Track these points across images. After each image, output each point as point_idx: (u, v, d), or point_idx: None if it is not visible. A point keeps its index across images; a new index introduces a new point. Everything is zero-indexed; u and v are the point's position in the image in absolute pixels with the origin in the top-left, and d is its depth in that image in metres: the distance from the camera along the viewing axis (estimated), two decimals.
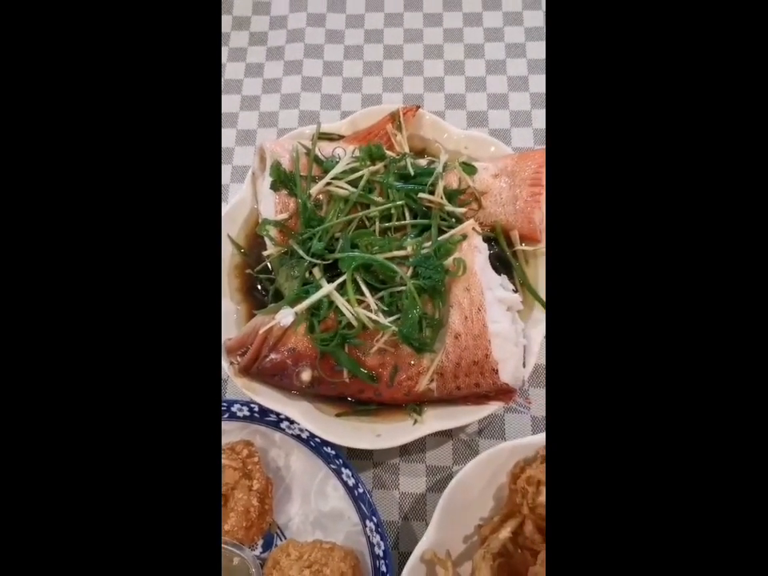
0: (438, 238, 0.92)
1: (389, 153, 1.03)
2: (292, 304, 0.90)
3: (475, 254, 0.89)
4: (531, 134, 1.21)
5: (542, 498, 0.83)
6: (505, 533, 0.83)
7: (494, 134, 1.16)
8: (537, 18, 1.33)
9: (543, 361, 1.02)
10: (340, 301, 0.88)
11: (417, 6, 1.37)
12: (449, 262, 0.88)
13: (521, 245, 1.02)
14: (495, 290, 0.90)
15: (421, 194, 0.98)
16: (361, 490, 0.90)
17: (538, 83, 1.26)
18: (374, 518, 0.88)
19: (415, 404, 0.93)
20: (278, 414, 0.93)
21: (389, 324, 0.87)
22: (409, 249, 0.92)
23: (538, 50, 1.30)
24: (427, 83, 1.30)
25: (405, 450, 1.00)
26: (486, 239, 1.02)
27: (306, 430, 0.92)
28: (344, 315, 0.88)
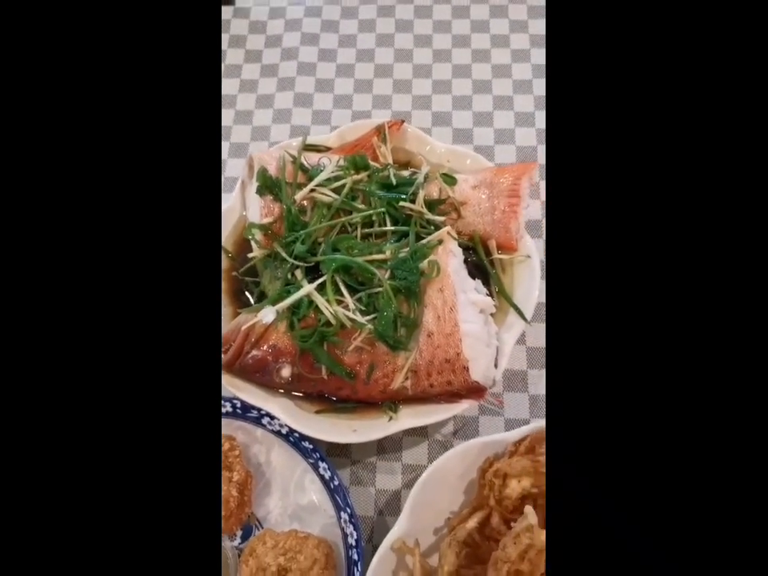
0: (416, 243, 0.96)
1: (373, 163, 1.08)
2: (274, 303, 0.94)
3: (450, 257, 0.93)
4: (514, 151, 1.26)
5: (509, 491, 0.87)
6: (472, 523, 0.86)
7: (478, 150, 1.21)
8: (522, 41, 1.39)
9: (519, 366, 1.06)
10: (320, 300, 0.93)
11: (407, 27, 1.43)
12: (424, 264, 0.92)
13: (498, 253, 1.05)
14: (469, 292, 0.94)
15: (402, 203, 1.03)
16: (336, 483, 0.93)
17: (523, 103, 1.32)
18: (347, 509, 0.91)
19: (391, 402, 0.96)
20: (259, 410, 0.97)
21: (366, 322, 0.90)
22: (387, 253, 0.96)
23: (523, 71, 1.36)
24: (415, 101, 1.35)
25: (382, 449, 1.03)
26: (465, 248, 1.06)
27: (286, 425, 0.95)
28: (323, 314, 0.92)
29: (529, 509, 0.79)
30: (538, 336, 1.09)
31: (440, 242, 0.96)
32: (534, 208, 1.21)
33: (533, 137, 1.28)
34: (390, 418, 0.95)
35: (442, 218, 1.03)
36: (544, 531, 0.77)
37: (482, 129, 1.31)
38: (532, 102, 1.33)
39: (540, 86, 1.33)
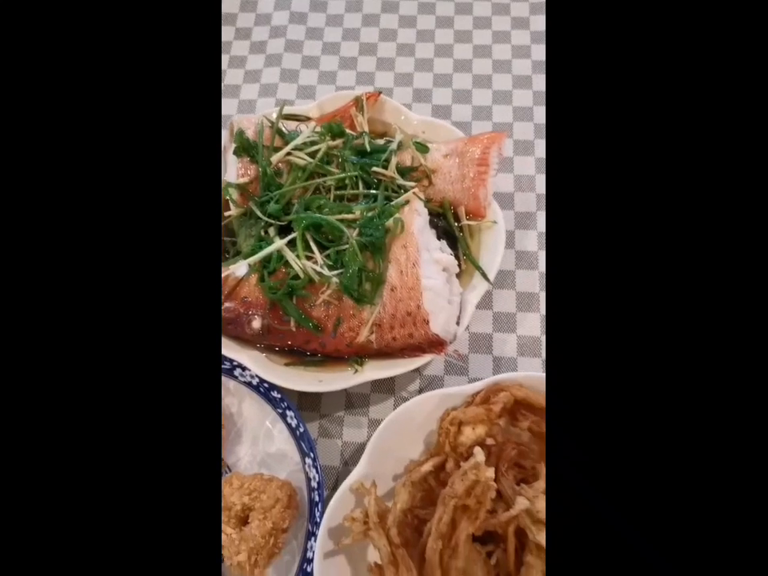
0: (384, 204, 1.00)
1: (349, 131, 1.13)
2: (246, 257, 0.99)
3: (414, 216, 0.98)
4: (491, 127, 1.31)
5: (463, 438, 0.91)
6: (427, 466, 0.90)
7: (456, 126, 1.25)
8: (504, 23, 1.43)
9: (485, 329, 1.11)
10: (290, 255, 0.98)
11: (393, 8, 1.47)
12: (390, 222, 0.96)
13: (466, 219, 1.09)
14: (433, 251, 0.99)
15: (375, 168, 1.07)
16: (302, 430, 0.98)
17: (501, 81, 1.36)
18: (311, 454, 0.96)
19: (357, 356, 1.01)
20: (231, 362, 1.01)
21: (332, 277, 0.95)
22: (357, 213, 1.01)
23: (503, 51, 1.40)
24: (397, 78, 1.40)
25: (350, 404, 1.08)
26: (435, 214, 1.11)
27: (256, 376, 1.00)
28: (293, 268, 0.97)
29: (477, 449, 0.84)
30: (504, 301, 1.14)
31: (407, 202, 1.00)
32: (507, 181, 1.25)
33: (509, 114, 1.33)
34: (356, 371, 0.99)
35: (412, 184, 1.07)
36: (491, 469, 0.82)
37: (461, 106, 1.35)
38: (510, 81, 1.37)
39: (519, 66, 1.38)
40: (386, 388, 1.07)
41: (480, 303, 1.08)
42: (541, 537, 0.79)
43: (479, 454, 0.83)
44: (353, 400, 1.08)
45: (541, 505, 0.81)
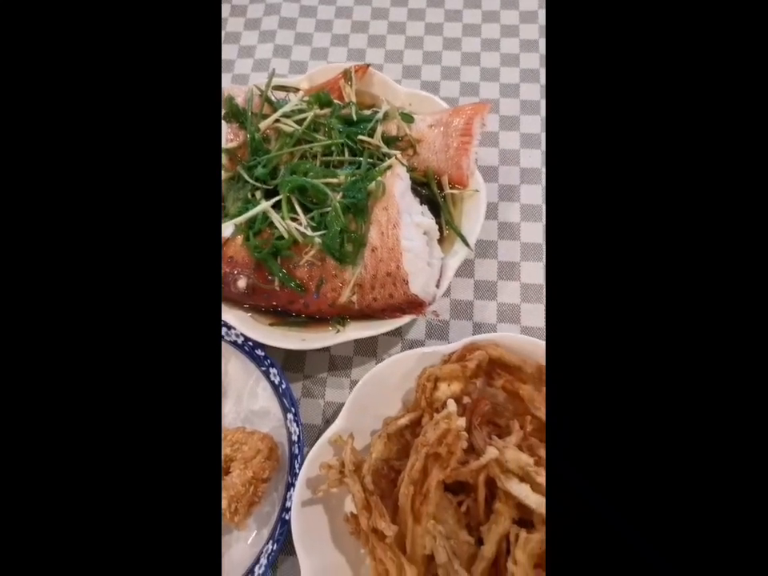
0: (368, 169, 1.04)
1: (336, 102, 1.16)
2: (233, 218, 1.02)
3: (396, 180, 1.01)
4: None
5: (439, 394, 0.95)
6: (403, 420, 0.94)
7: (444, 101, 1.27)
8: (494, 3, 1.46)
9: (466, 297, 1.15)
10: (275, 216, 1.01)
11: None
12: (372, 185, 1.00)
13: (450, 188, 1.12)
14: (414, 215, 1.02)
15: (360, 136, 1.10)
16: (284, 386, 1.01)
17: (489, 59, 1.39)
18: (292, 409, 0.99)
19: (339, 317, 1.04)
20: None
21: (315, 237, 0.98)
22: (341, 178, 1.04)
23: (492, 30, 1.43)
24: (388, 55, 1.43)
25: (333, 366, 1.11)
26: (420, 183, 1.14)
27: (242, 334, 1.03)
28: (278, 229, 1.00)
29: (451, 401, 0.87)
30: (485, 270, 1.18)
31: (389, 167, 1.03)
32: (492, 155, 1.28)
33: (496, 90, 1.35)
34: (338, 331, 1.03)
35: (397, 152, 1.10)
36: (462, 418, 0.85)
37: (449, 82, 1.38)
38: (498, 59, 1.40)
39: (507, 45, 1.41)
40: (368, 350, 1.10)
41: (462, 272, 1.12)
42: (509, 485, 0.82)
43: (451, 405, 0.86)
44: (336, 362, 1.11)
45: (510, 455, 0.84)
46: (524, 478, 0.83)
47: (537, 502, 0.80)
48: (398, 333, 1.11)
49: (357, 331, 1.01)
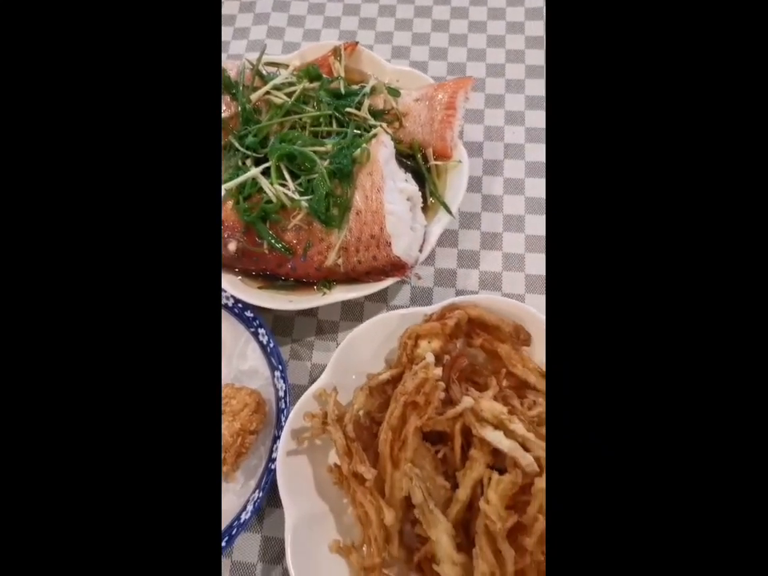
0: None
1: (325, 76, 1.21)
2: (224, 184, 1.07)
3: (381, 147, 1.05)
4: None
5: (419, 351, 0.99)
6: (385, 375, 0.98)
7: (432, 80, 1.32)
8: None
9: (450, 266, 1.20)
10: (264, 182, 1.05)
11: None
12: (357, 152, 1.04)
13: (434, 160, 1.17)
14: (398, 181, 1.06)
15: (348, 109, 1.15)
16: (272, 345, 1.06)
17: (476, 41, 1.44)
18: (279, 366, 1.04)
19: (325, 280, 1.08)
20: None
21: (303, 201, 1.03)
22: (329, 146, 1.08)
23: (479, 13, 1.48)
24: (378, 36, 1.48)
25: (320, 330, 1.16)
26: (405, 155, 1.18)
27: (232, 296, 1.08)
28: (267, 194, 1.05)
29: (429, 353, 0.92)
30: (469, 240, 1.23)
31: (375, 135, 1.07)
32: (477, 132, 1.33)
33: (482, 69, 1.40)
34: (324, 293, 1.07)
35: (384, 124, 1.14)
36: (440, 368, 0.89)
37: (437, 62, 1.43)
38: (484, 40, 1.44)
39: (493, 27, 1.46)
40: (355, 315, 1.15)
41: (447, 242, 1.16)
42: (484, 432, 0.87)
43: (429, 356, 0.91)
44: (323, 326, 1.15)
45: (485, 404, 0.88)
46: (498, 425, 0.86)
47: (509, 446, 0.84)
48: (383, 299, 1.15)
49: (342, 293, 1.05)
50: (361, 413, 0.96)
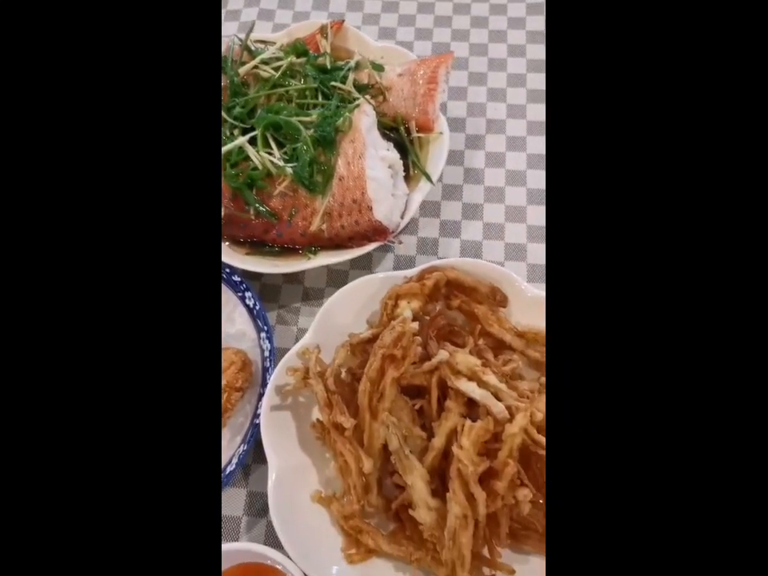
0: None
1: (312, 52, 1.25)
2: None
3: (363, 116, 1.10)
4: None
5: (399, 311, 1.03)
6: (366, 333, 1.02)
7: None
8: None
9: (433, 235, 1.26)
10: (250, 150, 1.09)
11: None
12: (340, 121, 1.08)
13: (416, 133, 1.21)
14: (379, 150, 1.11)
15: (333, 83, 1.19)
16: (258, 307, 1.10)
17: (460, 21, 1.48)
18: (265, 327, 1.08)
19: (310, 246, 1.12)
20: None
21: (287, 168, 1.07)
22: (314, 116, 1.12)
23: None
24: (365, 18, 1.52)
25: (306, 296, 1.20)
26: (389, 128, 1.23)
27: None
28: (253, 162, 1.09)
29: (407, 310, 0.95)
30: (451, 211, 1.28)
31: (357, 105, 1.12)
32: (460, 108, 1.37)
33: (465, 49, 1.45)
34: (309, 258, 1.11)
35: (368, 97, 1.19)
36: (416, 322, 0.93)
37: (422, 42, 1.47)
38: (468, 21, 1.48)
39: (477, 8, 1.50)
40: (340, 282, 1.18)
41: (429, 212, 1.21)
42: (458, 383, 0.91)
43: (407, 312, 0.95)
44: (309, 293, 1.19)
45: (460, 357, 0.92)
46: (471, 377, 0.91)
47: (482, 395, 0.88)
48: (367, 266, 1.19)
49: (327, 258, 1.09)
50: (343, 370, 0.99)
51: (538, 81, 1.38)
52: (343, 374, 1.01)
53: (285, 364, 1.00)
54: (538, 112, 1.34)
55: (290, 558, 0.87)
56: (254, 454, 1.03)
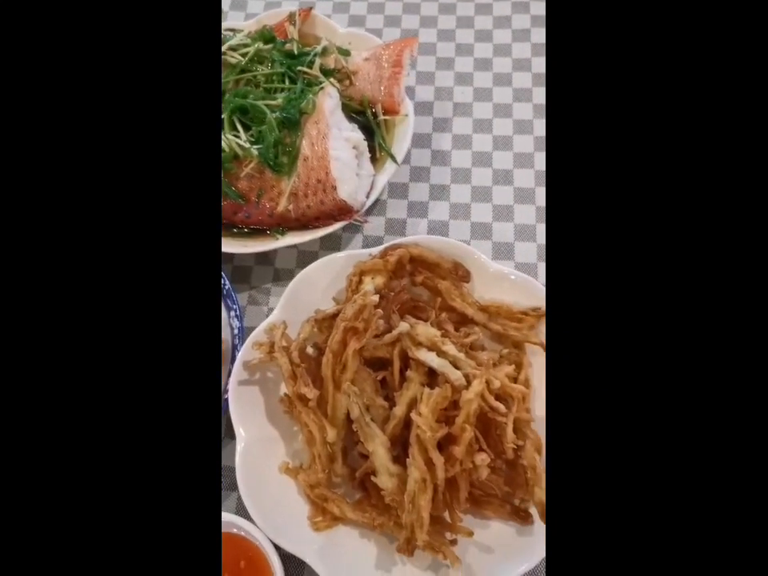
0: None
1: (279, 39, 1.28)
2: None
3: (326, 98, 1.12)
4: (416, 47, 1.45)
5: (363, 286, 1.05)
6: (331, 309, 1.04)
7: None
8: None
9: (400, 215, 1.28)
10: None
11: None
12: (304, 103, 1.11)
13: (383, 115, 1.24)
14: (344, 130, 1.13)
15: (300, 68, 1.22)
16: (227, 287, 1.12)
17: (428, 8, 1.51)
18: (234, 306, 1.10)
19: (278, 227, 1.15)
20: None
21: (253, 150, 1.10)
22: (280, 100, 1.15)
23: None
24: (335, 6, 1.54)
25: (277, 277, 1.22)
26: (356, 112, 1.25)
27: None
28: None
29: (369, 284, 0.98)
30: (418, 192, 1.31)
31: (322, 88, 1.14)
32: (428, 92, 1.41)
33: (434, 35, 1.47)
34: (277, 239, 1.14)
35: (334, 81, 1.21)
36: (377, 296, 0.96)
37: (391, 29, 1.50)
38: (436, 8, 1.51)
39: None
40: (309, 263, 1.21)
41: (397, 194, 1.24)
42: (419, 353, 0.93)
43: (368, 285, 0.97)
44: (279, 274, 1.22)
45: (420, 329, 0.95)
46: (431, 347, 0.93)
47: (440, 363, 0.91)
48: (336, 247, 1.22)
49: (294, 237, 1.12)
50: (309, 345, 1.02)
51: (505, 65, 1.41)
52: (311, 351, 1.03)
53: (252, 340, 1.02)
54: (504, 95, 1.37)
55: (258, 527, 0.89)
56: (225, 429, 1.05)
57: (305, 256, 1.22)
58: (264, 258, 1.21)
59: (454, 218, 1.24)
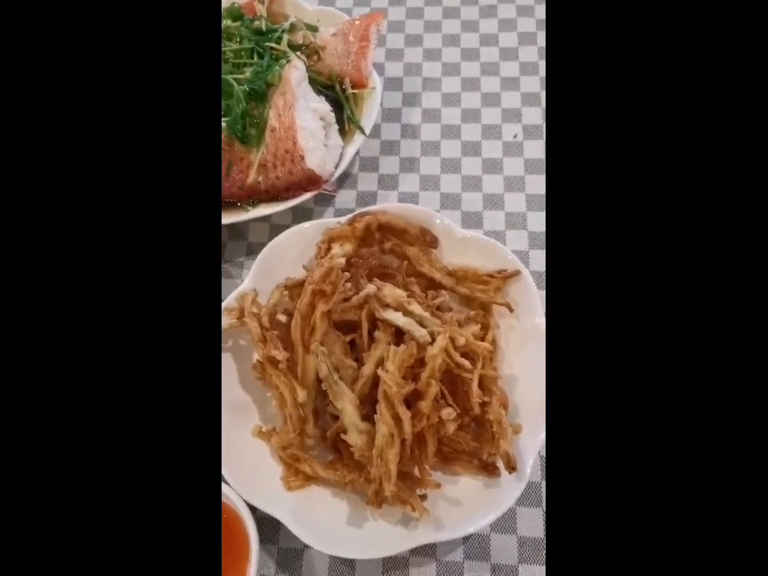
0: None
1: (247, 16, 1.29)
2: None
3: (293, 70, 1.14)
4: (386, 23, 1.47)
5: (332, 251, 1.07)
6: (300, 276, 1.06)
7: None
8: None
9: (371, 188, 1.30)
10: None
11: None
12: (271, 75, 1.13)
13: (351, 89, 1.26)
14: (311, 102, 1.15)
15: (268, 43, 1.24)
16: None
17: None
18: None
19: (249, 199, 1.17)
20: None
21: (222, 121, 1.11)
22: (247, 74, 1.17)
23: None
24: None
25: (250, 251, 1.24)
26: (325, 87, 1.27)
27: None
28: None
29: (337, 248, 1.00)
30: (389, 165, 1.33)
31: (289, 61, 1.16)
32: (397, 68, 1.43)
33: (402, 13, 1.49)
34: (248, 211, 1.16)
35: (302, 55, 1.23)
36: (343, 258, 0.98)
37: (360, 8, 1.52)
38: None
39: None
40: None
41: (368, 167, 1.27)
42: (386, 314, 0.95)
43: (336, 248, 0.99)
44: (252, 248, 1.24)
45: (387, 290, 0.97)
46: (398, 308, 0.95)
47: (405, 322, 0.93)
48: (308, 220, 1.23)
49: (265, 209, 1.14)
50: (280, 312, 1.03)
51: (472, 40, 1.43)
52: (282, 317, 1.04)
53: (223, 308, 1.03)
54: (471, 69, 1.39)
55: (233, 488, 0.91)
56: None
57: (277, 229, 1.23)
58: (237, 232, 1.23)
59: (424, 190, 1.26)
